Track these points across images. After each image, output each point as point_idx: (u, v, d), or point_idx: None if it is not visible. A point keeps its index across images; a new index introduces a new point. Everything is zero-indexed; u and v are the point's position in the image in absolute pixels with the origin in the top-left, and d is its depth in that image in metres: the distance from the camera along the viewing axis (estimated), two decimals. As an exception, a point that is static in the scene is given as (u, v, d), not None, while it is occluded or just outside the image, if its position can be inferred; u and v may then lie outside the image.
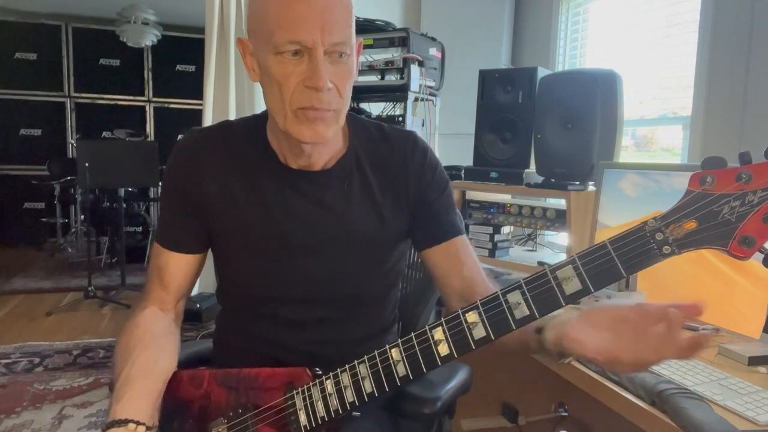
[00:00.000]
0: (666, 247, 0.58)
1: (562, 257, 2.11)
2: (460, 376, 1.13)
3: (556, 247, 2.38)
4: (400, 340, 0.74)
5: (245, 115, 1.09)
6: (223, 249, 1.03)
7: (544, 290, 0.63)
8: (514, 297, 0.65)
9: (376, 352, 0.77)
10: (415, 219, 1.01)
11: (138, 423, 0.82)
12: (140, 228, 5.29)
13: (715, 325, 1.33)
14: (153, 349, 0.93)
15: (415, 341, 0.73)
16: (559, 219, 1.96)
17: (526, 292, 0.64)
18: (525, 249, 2.34)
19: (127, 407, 0.83)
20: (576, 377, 1.18)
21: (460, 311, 0.69)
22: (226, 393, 0.91)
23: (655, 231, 0.59)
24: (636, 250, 0.59)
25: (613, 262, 0.59)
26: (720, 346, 1.22)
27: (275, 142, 0.98)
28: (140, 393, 0.86)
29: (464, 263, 0.98)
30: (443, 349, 0.70)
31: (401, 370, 0.74)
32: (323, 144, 0.94)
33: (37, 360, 2.92)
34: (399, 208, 1.00)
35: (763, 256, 0.56)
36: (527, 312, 0.64)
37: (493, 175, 2.11)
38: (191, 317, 3.29)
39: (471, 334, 0.68)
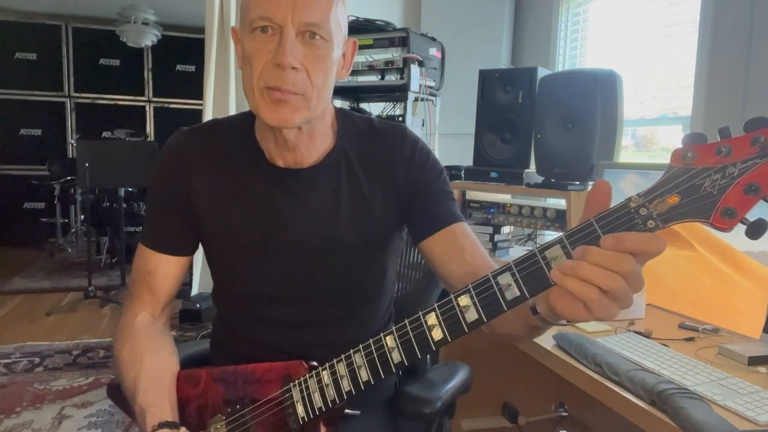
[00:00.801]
0: (650, 221, 0.59)
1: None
2: (460, 376, 1.13)
3: (556, 247, 2.38)
4: (394, 328, 0.75)
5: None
6: (213, 250, 1.02)
7: (533, 270, 0.64)
8: (505, 279, 0.66)
9: (371, 340, 0.77)
10: (409, 211, 0.99)
11: (179, 426, 0.86)
12: (140, 228, 5.28)
13: (715, 325, 1.33)
14: (162, 352, 0.96)
15: (408, 327, 0.73)
16: (559, 219, 1.96)
17: (516, 273, 0.65)
18: (525, 249, 2.34)
19: (167, 410, 0.87)
20: (576, 377, 1.18)
21: (452, 295, 0.70)
22: (223, 389, 0.91)
23: (639, 207, 0.60)
24: (621, 226, 0.60)
25: (600, 239, 0.60)
26: (720, 346, 1.22)
27: (263, 140, 0.97)
28: (169, 396, 0.90)
29: (464, 248, 0.94)
30: (437, 334, 0.71)
31: (396, 356, 0.74)
32: (310, 139, 0.94)
33: (37, 360, 2.92)
34: (389, 204, 0.98)
35: (745, 227, 0.57)
36: (518, 293, 0.65)
37: (493, 175, 2.11)
38: (191, 317, 3.29)
39: (463, 318, 0.69)
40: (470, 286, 0.68)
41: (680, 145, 0.60)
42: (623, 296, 0.59)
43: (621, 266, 0.58)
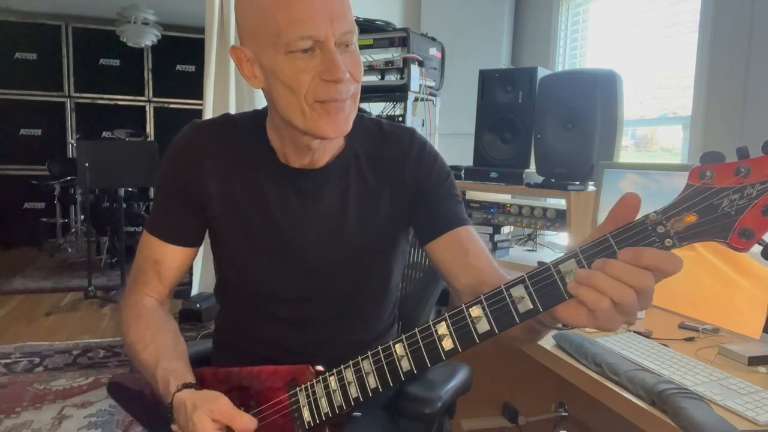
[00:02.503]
0: (668, 239, 0.59)
1: (562, 257, 2.11)
2: (460, 376, 1.13)
3: (556, 247, 2.38)
4: (404, 336, 0.74)
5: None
6: (221, 248, 1.02)
7: (547, 284, 0.63)
8: (518, 291, 0.65)
9: (379, 347, 0.76)
10: (415, 213, 1.00)
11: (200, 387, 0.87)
12: (140, 228, 5.29)
13: (715, 325, 1.33)
14: (177, 335, 0.97)
15: (419, 336, 0.73)
16: (559, 219, 1.96)
17: (529, 286, 0.64)
18: (525, 249, 2.34)
19: (188, 375, 0.88)
20: (576, 377, 1.18)
21: (463, 306, 0.69)
22: (227, 391, 0.91)
23: (657, 224, 0.59)
24: (638, 243, 0.59)
25: (616, 255, 0.59)
26: (720, 346, 1.22)
27: (276, 140, 0.98)
28: (188, 366, 0.91)
29: (469, 251, 0.94)
30: (447, 344, 0.70)
31: (405, 365, 0.74)
32: (328, 141, 0.94)
33: (37, 360, 2.92)
34: (396, 205, 0.99)
35: (761, 248, 0.57)
36: (531, 306, 0.64)
37: (493, 175, 2.11)
38: (191, 317, 3.29)
39: (475, 329, 0.68)
40: (482, 297, 0.67)
41: (698, 164, 0.60)
42: (631, 311, 0.59)
43: (639, 281, 0.58)
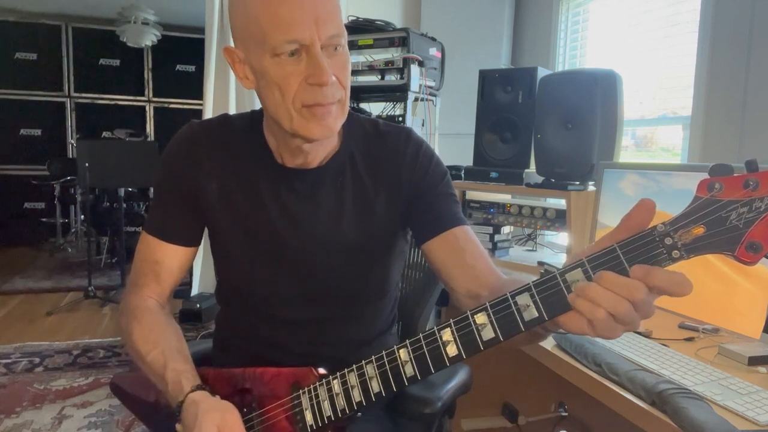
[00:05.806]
0: (675, 251, 0.59)
1: (562, 257, 2.11)
2: (460, 376, 1.13)
3: (556, 247, 2.38)
4: (408, 341, 0.74)
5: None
6: (220, 248, 1.03)
7: (553, 293, 0.63)
8: (523, 299, 0.65)
9: (384, 352, 0.76)
10: (412, 213, 0.99)
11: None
12: (140, 228, 5.28)
13: (715, 325, 1.33)
14: (180, 337, 0.98)
15: (423, 342, 0.72)
16: (559, 219, 1.96)
17: (535, 294, 0.64)
18: (525, 249, 2.34)
19: (198, 378, 0.88)
20: (576, 377, 1.18)
21: (468, 312, 0.69)
22: (229, 391, 0.91)
23: (664, 236, 0.59)
24: (645, 254, 0.59)
25: (623, 266, 0.59)
26: (720, 346, 1.22)
27: (272, 141, 0.98)
28: (194, 368, 0.91)
29: (465, 252, 0.93)
30: (451, 350, 0.70)
31: (409, 370, 0.74)
32: (320, 142, 0.94)
33: (37, 360, 2.92)
34: (392, 205, 0.99)
35: None
36: (536, 314, 0.64)
37: (493, 175, 2.11)
38: (191, 317, 3.29)
39: (480, 336, 0.68)
40: (488, 304, 0.67)
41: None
42: (629, 321, 0.59)
43: (631, 294, 0.58)
